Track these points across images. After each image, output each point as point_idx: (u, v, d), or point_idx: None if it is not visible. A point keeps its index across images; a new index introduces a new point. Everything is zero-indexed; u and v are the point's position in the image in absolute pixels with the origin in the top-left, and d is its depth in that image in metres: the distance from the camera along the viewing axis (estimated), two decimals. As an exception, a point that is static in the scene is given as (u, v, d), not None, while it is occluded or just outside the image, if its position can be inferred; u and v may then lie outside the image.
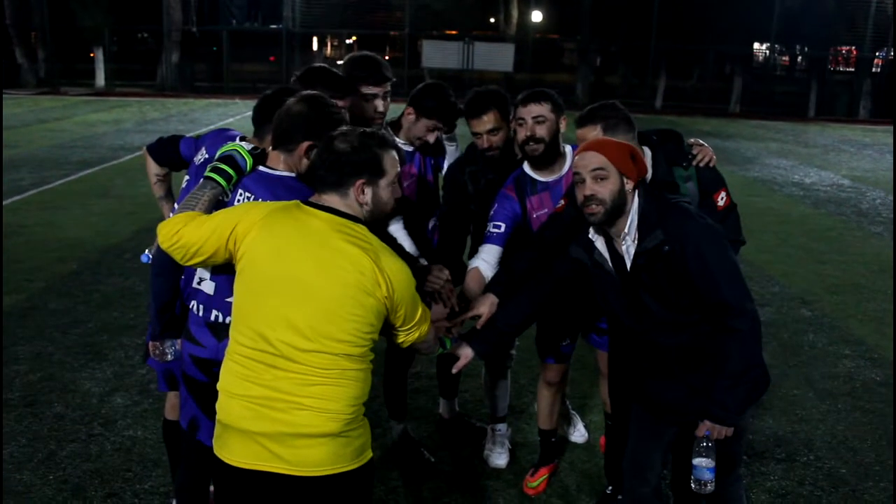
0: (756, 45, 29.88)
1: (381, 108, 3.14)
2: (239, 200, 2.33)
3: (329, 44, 51.09)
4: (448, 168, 3.42)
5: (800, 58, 35.36)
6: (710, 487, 2.36)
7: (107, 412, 3.98)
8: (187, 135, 2.94)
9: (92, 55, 25.47)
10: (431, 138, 3.22)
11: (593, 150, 2.34)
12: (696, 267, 2.24)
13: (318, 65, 2.94)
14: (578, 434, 3.92)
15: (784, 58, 36.99)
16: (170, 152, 2.89)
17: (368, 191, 2.11)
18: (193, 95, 24.29)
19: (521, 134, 3.01)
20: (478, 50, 25.97)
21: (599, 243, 2.44)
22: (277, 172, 2.36)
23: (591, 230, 2.45)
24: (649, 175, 2.78)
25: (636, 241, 2.33)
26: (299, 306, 1.99)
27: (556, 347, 3.38)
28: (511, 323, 2.67)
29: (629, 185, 2.31)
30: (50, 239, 7.24)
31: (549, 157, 3.02)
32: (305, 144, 2.30)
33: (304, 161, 2.33)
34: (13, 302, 5.51)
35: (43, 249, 6.87)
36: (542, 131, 2.98)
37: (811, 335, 5.50)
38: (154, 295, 2.57)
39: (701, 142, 2.97)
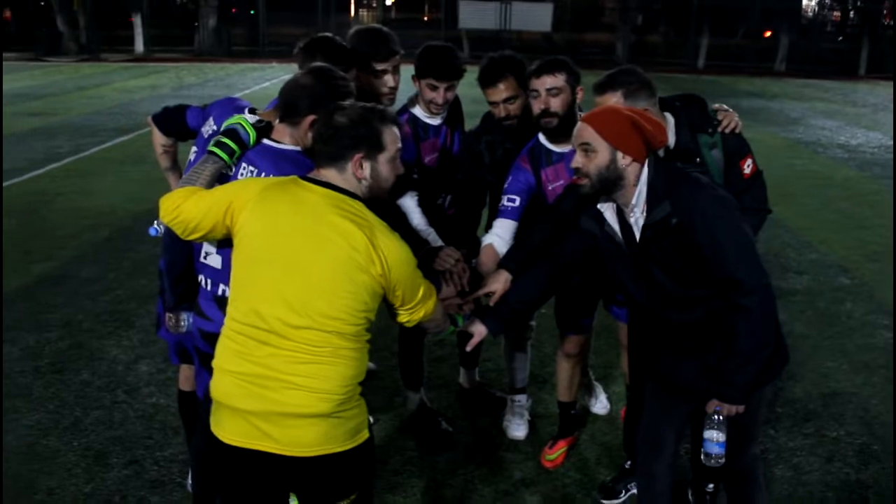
0: (805, 0, 28.79)
1: (391, 84, 3.04)
2: (242, 174, 2.29)
3: (368, 5, 50.66)
4: (464, 137, 3.33)
5: (852, 13, 33.97)
6: (719, 461, 2.30)
7: (132, 380, 4.04)
8: (194, 104, 2.90)
9: (131, 20, 25.65)
10: (440, 98, 3.11)
11: (585, 121, 2.25)
12: (705, 240, 2.14)
13: (321, 35, 2.86)
14: (600, 405, 3.86)
15: (835, 13, 35.58)
16: (176, 122, 2.85)
17: (367, 165, 2.06)
18: (230, 60, 24.32)
19: (535, 107, 2.90)
20: (515, 9, 25.49)
21: (609, 214, 2.34)
22: (282, 146, 2.31)
23: (601, 201, 2.35)
24: (672, 141, 2.67)
25: (645, 213, 2.24)
26: (292, 282, 1.96)
27: (575, 319, 3.31)
28: (524, 300, 2.60)
29: (625, 159, 2.19)
30: (84, 206, 7.35)
31: (564, 128, 2.89)
32: (311, 118, 2.24)
33: (310, 135, 2.28)
34: (46, 269, 5.62)
35: (77, 216, 6.98)
36: (556, 104, 2.87)
37: (849, 304, 5.32)
38: (167, 267, 2.57)
39: (726, 107, 2.84)
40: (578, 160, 2.24)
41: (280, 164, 2.27)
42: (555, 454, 3.40)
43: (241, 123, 2.28)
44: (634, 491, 3.16)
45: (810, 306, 5.27)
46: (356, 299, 1.98)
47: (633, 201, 2.24)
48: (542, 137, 3.00)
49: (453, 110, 3.36)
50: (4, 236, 6.34)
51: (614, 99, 2.54)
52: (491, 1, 25.81)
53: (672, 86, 19.22)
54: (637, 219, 2.26)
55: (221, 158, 2.24)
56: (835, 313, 5.17)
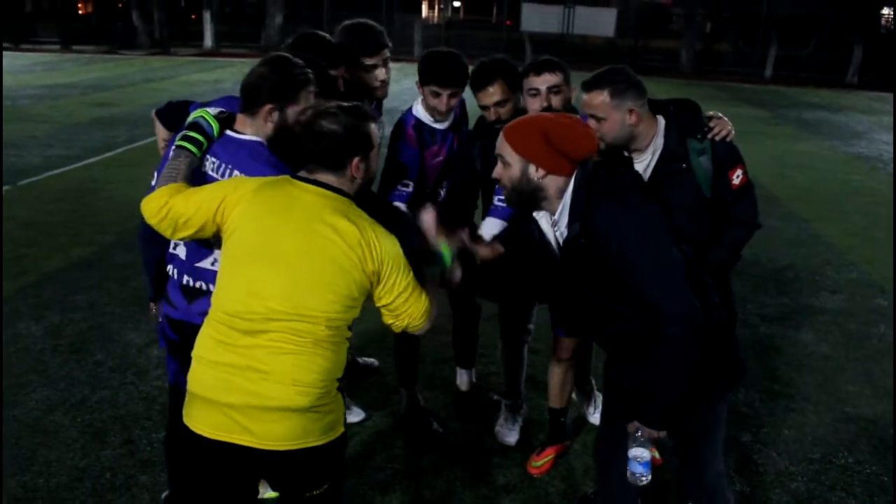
0: (885, 11, 27.65)
1: (382, 77, 3.06)
2: (205, 165, 2.33)
3: (437, 6, 50.92)
4: (458, 143, 3.32)
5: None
6: (642, 480, 2.22)
7: (142, 362, 4.17)
8: (197, 101, 2.96)
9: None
10: (442, 105, 3.12)
11: (502, 132, 2.21)
12: (620, 265, 2.04)
13: (310, 31, 2.92)
14: (599, 415, 3.79)
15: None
16: (178, 118, 2.91)
17: (363, 165, 2.13)
18: (294, 57, 24.82)
19: (535, 104, 2.89)
20: (579, 14, 25.29)
21: (544, 223, 2.29)
22: (242, 136, 2.34)
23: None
24: (660, 144, 2.60)
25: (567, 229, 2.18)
26: (282, 275, 1.99)
27: (567, 319, 3.24)
28: (520, 276, 2.48)
29: (539, 172, 2.13)
30: (131, 194, 7.58)
31: None
32: (267, 107, 2.28)
33: (268, 125, 2.31)
34: (83, 253, 5.85)
35: (121, 204, 7.23)
36: (557, 102, 2.88)
37: (882, 327, 5.09)
38: (145, 261, 2.66)
39: (720, 115, 2.76)
40: (496, 171, 2.22)
41: (238, 154, 2.31)
42: (541, 461, 3.36)
43: (203, 116, 2.32)
44: None
45: (840, 327, 5.06)
46: (346, 294, 2.02)
47: (556, 216, 2.20)
48: None
49: (460, 116, 3.38)
50: (55, 218, 6.65)
51: (601, 98, 2.51)
52: (554, 4, 25.65)
53: (733, 95, 18.73)
54: (562, 232, 2.20)
55: (192, 152, 2.28)
56: (865, 335, 4.95)
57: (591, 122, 2.52)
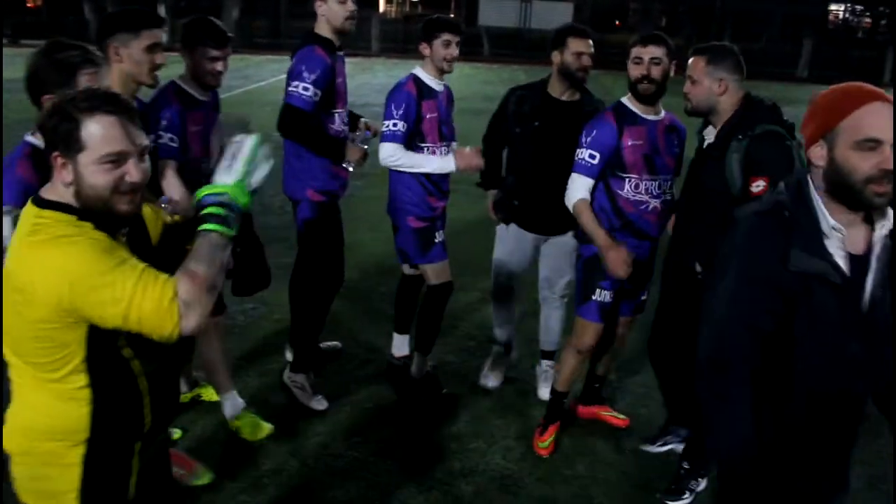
0: (833, 7, 28.40)
1: (351, 7, 3.47)
2: None
3: (394, 0, 50.72)
4: (505, 93, 3.73)
5: (884, 20, 33.49)
6: None
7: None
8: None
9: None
10: (454, 51, 3.53)
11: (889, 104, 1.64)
12: None
13: (201, 16, 3.24)
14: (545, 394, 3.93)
15: (866, 19, 35.10)
16: None
17: (69, 168, 1.62)
18: (250, 51, 24.56)
19: (637, 71, 3.12)
20: (535, 8, 25.51)
21: (835, 242, 1.68)
22: (31, 139, 2.18)
23: (832, 223, 1.67)
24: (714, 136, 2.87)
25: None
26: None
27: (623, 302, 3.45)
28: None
29: None
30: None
31: (657, 97, 3.17)
32: (45, 98, 2.04)
33: None
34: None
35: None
36: (657, 72, 3.11)
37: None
38: None
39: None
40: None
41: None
42: (546, 441, 3.48)
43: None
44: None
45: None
46: (43, 343, 1.64)
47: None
48: (626, 101, 3.22)
49: (449, 96, 3.73)
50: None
51: (700, 63, 2.83)
52: (511, -1, 25.86)
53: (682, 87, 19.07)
54: (883, 235, 1.69)
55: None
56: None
57: (687, 84, 2.86)
